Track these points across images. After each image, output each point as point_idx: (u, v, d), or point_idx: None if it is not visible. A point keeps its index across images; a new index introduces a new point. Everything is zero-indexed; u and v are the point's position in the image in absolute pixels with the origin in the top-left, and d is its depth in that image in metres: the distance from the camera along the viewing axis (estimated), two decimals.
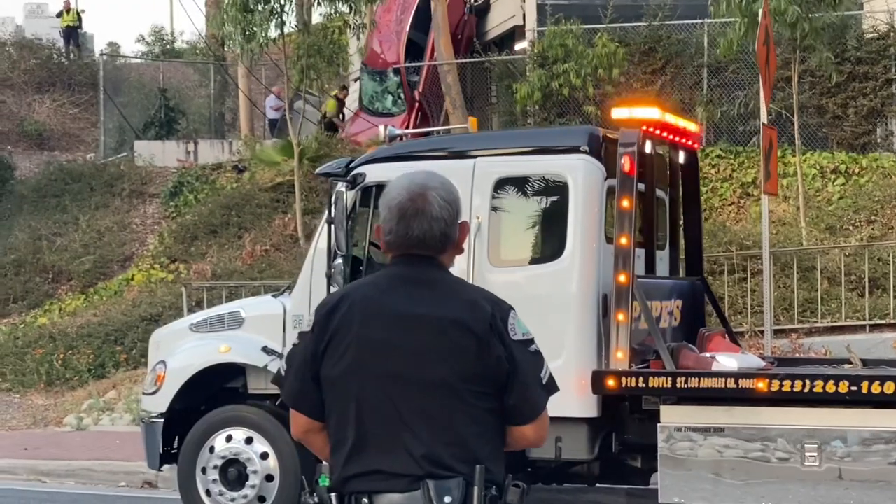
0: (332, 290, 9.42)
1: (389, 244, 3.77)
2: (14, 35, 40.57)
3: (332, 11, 23.49)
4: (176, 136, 29.58)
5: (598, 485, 9.97)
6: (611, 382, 8.92)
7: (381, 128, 12.14)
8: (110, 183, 26.26)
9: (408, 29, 26.70)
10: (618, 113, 9.65)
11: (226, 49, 30.32)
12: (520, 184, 9.56)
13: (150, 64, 38.26)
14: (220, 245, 22.79)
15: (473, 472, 3.60)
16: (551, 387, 3.75)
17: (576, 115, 21.83)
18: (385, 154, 10.27)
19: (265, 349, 10.09)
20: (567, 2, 24.18)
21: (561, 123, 21.49)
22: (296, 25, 23.94)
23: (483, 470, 3.61)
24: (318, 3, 22.56)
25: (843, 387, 8.47)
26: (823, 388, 8.49)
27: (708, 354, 9.52)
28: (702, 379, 8.81)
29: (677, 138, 10.23)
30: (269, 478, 9.99)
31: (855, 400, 8.49)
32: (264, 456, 10.01)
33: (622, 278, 9.01)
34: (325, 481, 3.72)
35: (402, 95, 26.32)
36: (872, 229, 17.40)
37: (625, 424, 9.32)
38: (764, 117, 12.44)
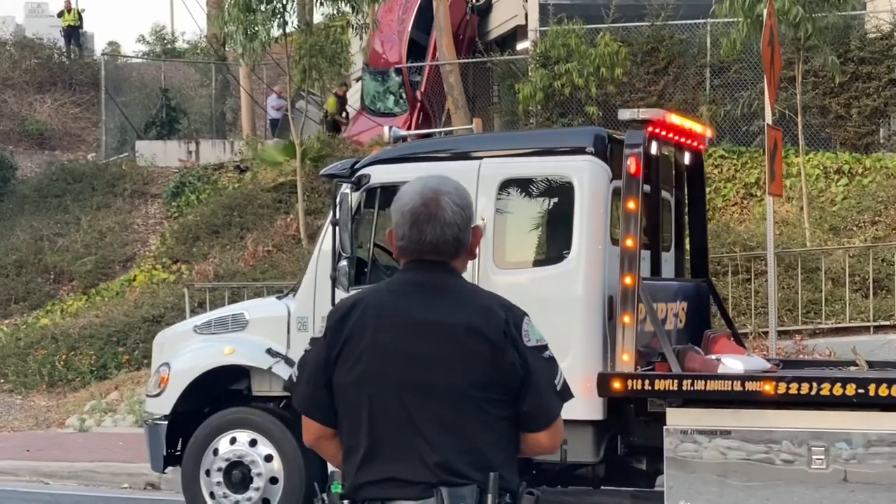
0: (337, 291, 9.41)
1: (402, 249, 3.74)
2: (15, 34, 40.53)
3: (335, 11, 23.46)
4: (177, 136, 29.57)
5: (603, 487, 9.94)
6: (616, 385, 8.89)
7: (386, 129, 12.09)
8: (112, 183, 26.25)
9: (410, 29, 26.68)
10: (623, 114, 9.63)
11: (227, 49, 30.29)
12: (525, 185, 9.54)
13: (151, 63, 38.26)
14: (222, 246, 22.76)
15: (487, 480, 3.58)
16: (565, 393, 3.73)
17: (578, 116, 21.80)
18: (390, 155, 10.24)
19: (269, 351, 10.06)
20: (569, 1, 24.15)
21: (563, 124, 21.48)
22: (298, 25, 23.92)
23: (497, 477, 3.59)
24: (321, 3, 22.53)
25: (851, 389, 8.45)
26: (830, 390, 8.47)
27: (713, 356, 9.49)
28: (708, 381, 8.79)
29: (683, 139, 10.20)
30: (274, 480, 9.96)
31: (862, 403, 8.47)
32: (268, 458, 9.99)
33: (628, 280, 8.98)
34: (337, 488, 3.69)
35: (403, 95, 26.30)
36: (876, 230, 17.36)
37: (630, 427, 9.30)
38: (769, 118, 12.41)
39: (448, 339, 3.62)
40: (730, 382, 8.75)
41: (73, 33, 36.28)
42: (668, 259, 10.36)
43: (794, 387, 8.56)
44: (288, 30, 22.54)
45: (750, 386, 8.70)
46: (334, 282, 9.49)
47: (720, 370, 9.11)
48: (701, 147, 10.68)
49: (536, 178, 9.53)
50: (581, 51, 21.62)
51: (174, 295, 20.38)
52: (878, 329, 15.30)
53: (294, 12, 22.94)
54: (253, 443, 10.05)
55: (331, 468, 3.85)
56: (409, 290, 3.71)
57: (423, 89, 25.78)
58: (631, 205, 9.06)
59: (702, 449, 8.70)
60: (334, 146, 24.01)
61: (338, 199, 9.49)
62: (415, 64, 26.21)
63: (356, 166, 9.85)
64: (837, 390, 8.46)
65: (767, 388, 8.63)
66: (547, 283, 9.24)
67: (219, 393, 10.51)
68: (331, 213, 9.67)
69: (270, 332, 10.15)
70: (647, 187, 9.46)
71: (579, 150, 9.37)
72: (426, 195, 3.69)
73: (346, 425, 3.70)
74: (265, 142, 27.21)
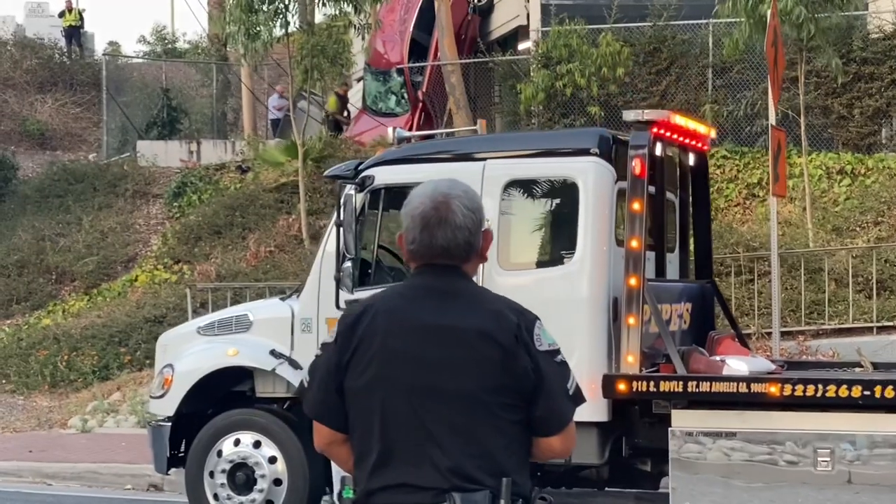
0: (341, 293, 9.40)
1: (413, 253, 3.72)
2: (15, 34, 40.49)
3: (336, 12, 23.44)
4: (179, 137, 29.54)
5: (607, 489, 9.92)
6: (621, 386, 8.88)
7: (390, 130, 12.07)
8: (113, 183, 26.22)
9: (411, 29, 26.66)
10: (628, 115, 9.61)
11: (228, 49, 30.27)
12: (529, 186, 9.53)
13: (152, 64, 38.23)
14: (223, 246, 22.75)
15: (500, 485, 3.56)
16: (578, 397, 3.71)
17: (580, 116, 21.78)
18: (394, 156, 10.23)
19: (273, 353, 10.05)
20: (571, 2, 24.13)
21: (565, 124, 21.46)
22: (300, 25, 23.90)
23: (510, 482, 3.57)
24: (323, 4, 22.51)
25: (857, 391, 8.42)
26: (836, 392, 8.45)
27: (718, 358, 9.47)
28: (713, 383, 8.77)
29: (687, 140, 10.19)
30: (278, 482, 9.95)
31: (868, 405, 8.45)
32: (272, 460, 9.97)
33: (633, 281, 8.97)
34: (349, 493, 3.68)
35: (405, 95, 26.28)
36: (879, 230, 17.35)
37: (635, 428, 9.28)
38: (772, 119, 12.39)
39: (460, 343, 3.61)
40: (735, 384, 8.74)
41: (74, 33, 36.25)
42: (672, 260, 10.35)
43: (799, 388, 8.54)
44: (290, 30, 22.53)
45: (755, 388, 8.68)
46: (338, 283, 9.47)
47: (725, 372, 9.09)
48: (705, 148, 10.67)
49: (541, 180, 9.51)
50: (583, 51, 21.59)
51: (176, 295, 20.37)
52: (882, 330, 15.29)
53: (296, 12, 22.93)
54: (257, 444, 10.03)
55: (340, 472, 3.82)
56: (420, 295, 3.70)
57: (424, 89, 25.76)
58: (636, 206, 9.04)
59: (706, 450, 8.68)
60: (336, 146, 24.00)
61: (342, 201, 9.48)
62: (416, 64, 26.19)
63: (360, 167, 9.84)
64: (843, 392, 8.43)
65: (773, 389, 8.61)
66: (551, 284, 9.22)
67: (223, 394, 10.50)
68: (335, 214, 9.64)
69: (274, 333, 10.14)
70: (651, 188, 9.44)
71: (584, 152, 9.35)
72: (436, 199, 3.68)
73: (357, 430, 3.68)
74: (267, 142, 27.19)
